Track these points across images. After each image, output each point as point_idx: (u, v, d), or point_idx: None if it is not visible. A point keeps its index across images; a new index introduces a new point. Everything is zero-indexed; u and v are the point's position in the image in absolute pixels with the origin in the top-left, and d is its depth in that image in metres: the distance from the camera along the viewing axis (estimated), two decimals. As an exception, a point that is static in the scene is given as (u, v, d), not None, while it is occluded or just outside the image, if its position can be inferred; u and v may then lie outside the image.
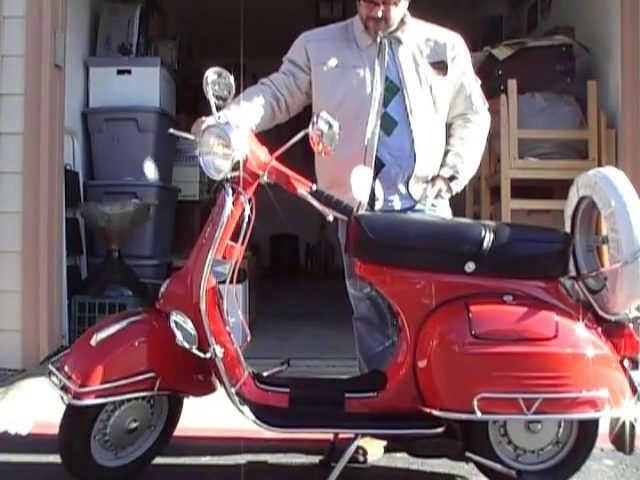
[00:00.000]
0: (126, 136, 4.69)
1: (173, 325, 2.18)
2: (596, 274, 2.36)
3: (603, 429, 2.33)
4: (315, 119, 2.23)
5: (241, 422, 2.29)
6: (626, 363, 2.22)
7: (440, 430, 2.23)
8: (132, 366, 2.22)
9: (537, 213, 4.24)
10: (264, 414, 2.24)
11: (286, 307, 5.84)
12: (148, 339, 2.28)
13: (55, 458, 2.37)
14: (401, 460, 2.64)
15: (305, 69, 2.69)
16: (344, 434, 2.40)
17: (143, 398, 2.31)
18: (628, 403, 2.19)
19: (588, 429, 2.31)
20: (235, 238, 2.31)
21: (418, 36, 2.66)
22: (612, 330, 2.25)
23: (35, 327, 3.83)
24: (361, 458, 2.55)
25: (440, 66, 2.63)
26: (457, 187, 2.68)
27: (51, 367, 2.28)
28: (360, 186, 2.29)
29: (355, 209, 2.33)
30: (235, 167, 2.22)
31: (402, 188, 2.61)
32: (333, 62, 2.62)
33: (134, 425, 2.32)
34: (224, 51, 5.38)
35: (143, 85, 4.76)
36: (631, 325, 2.28)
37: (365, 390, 2.33)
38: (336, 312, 5.61)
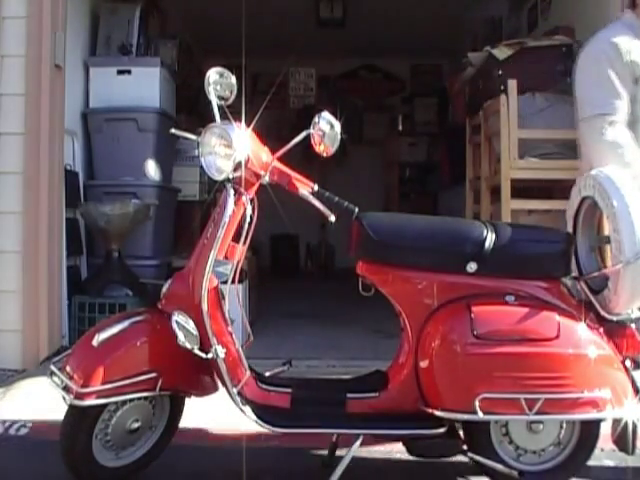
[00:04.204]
0: (126, 136, 4.67)
1: (175, 325, 2.18)
2: (598, 274, 2.37)
3: (603, 430, 2.33)
4: (317, 119, 2.23)
5: (242, 422, 2.29)
6: (628, 363, 2.23)
7: (442, 430, 2.23)
8: (134, 366, 2.22)
9: (537, 213, 4.24)
10: (266, 414, 2.24)
11: (286, 307, 5.84)
12: (150, 339, 2.28)
13: (55, 458, 2.37)
14: (401, 460, 2.64)
15: (629, 71, 2.59)
16: (346, 434, 2.39)
17: (145, 398, 2.31)
18: (630, 403, 2.19)
19: (590, 430, 2.32)
20: (236, 238, 2.31)
21: None
22: (614, 330, 2.26)
23: (35, 327, 3.82)
24: None
25: None
26: None
27: (53, 367, 2.28)
28: None
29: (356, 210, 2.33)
30: (237, 167, 2.22)
31: None
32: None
33: (136, 425, 2.32)
34: (224, 51, 5.40)
35: (143, 85, 4.74)
36: (633, 325, 2.29)
37: (367, 390, 2.33)
38: (336, 312, 5.67)
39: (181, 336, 2.18)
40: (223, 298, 2.30)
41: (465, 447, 2.29)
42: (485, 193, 4.66)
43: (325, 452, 2.53)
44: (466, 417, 2.18)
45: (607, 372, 2.19)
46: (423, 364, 2.24)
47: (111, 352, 2.22)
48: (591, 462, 2.40)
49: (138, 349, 2.26)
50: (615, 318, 2.28)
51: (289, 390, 2.33)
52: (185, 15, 6.80)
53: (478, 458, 2.29)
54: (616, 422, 2.30)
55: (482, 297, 2.25)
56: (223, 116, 2.34)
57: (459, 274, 2.27)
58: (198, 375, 2.32)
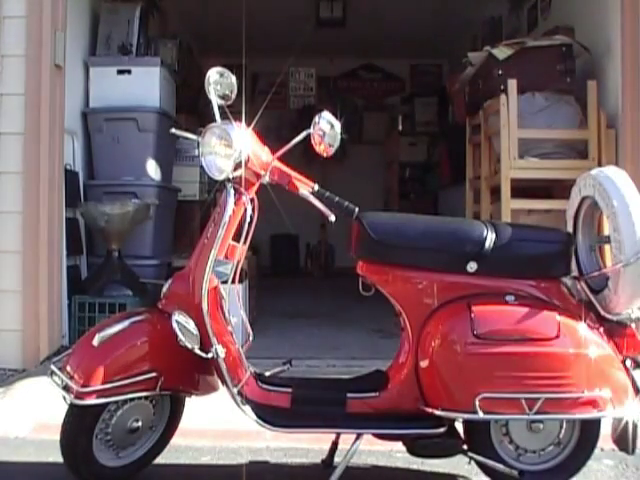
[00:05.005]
0: (126, 136, 4.68)
1: (175, 325, 2.18)
2: (598, 274, 2.36)
3: (603, 430, 2.33)
4: (317, 119, 2.23)
5: (243, 422, 2.29)
6: (628, 363, 2.23)
7: (442, 430, 2.23)
8: (134, 366, 2.22)
9: (537, 213, 4.24)
10: (266, 414, 2.24)
11: (286, 307, 5.85)
12: (150, 339, 2.28)
13: (55, 458, 2.37)
14: (401, 460, 2.64)
15: None
16: (346, 434, 2.39)
17: (145, 398, 2.31)
18: (630, 403, 2.19)
19: (590, 429, 2.32)
20: (236, 238, 2.31)
21: None
22: (614, 330, 2.26)
23: (35, 327, 3.83)
24: None
25: None
26: None
27: (53, 367, 2.28)
28: None
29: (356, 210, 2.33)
30: (237, 167, 2.22)
31: None
32: None
33: (136, 425, 2.32)
34: (224, 51, 5.41)
35: (143, 85, 4.75)
36: (633, 325, 2.28)
37: (367, 390, 2.33)
38: (336, 311, 5.68)
39: (181, 336, 2.18)
40: (223, 298, 2.30)
41: (465, 447, 2.28)
42: (485, 193, 4.67)
43: (325, 452, 2.52)
44: (466, 417, 2.18)
45: (607, 372, 2.19)
46: (423, 364, 2.24)
47: (111, 352, 2.22)
48: (591, 461, 2.39)
49: (138, 349, 2.26)
50: (615, 318, 2.27)
51: (289, 390, 2.33)
52: (185, 15, 6.80)
53: (478, 458, 2.29)
54: (616, 422, 2.30)
55: (482, 297, 2.25)
56: (223, 116, 2.34)
57: (459, 274, 2.27)
58: (198, 375, 2.32)
